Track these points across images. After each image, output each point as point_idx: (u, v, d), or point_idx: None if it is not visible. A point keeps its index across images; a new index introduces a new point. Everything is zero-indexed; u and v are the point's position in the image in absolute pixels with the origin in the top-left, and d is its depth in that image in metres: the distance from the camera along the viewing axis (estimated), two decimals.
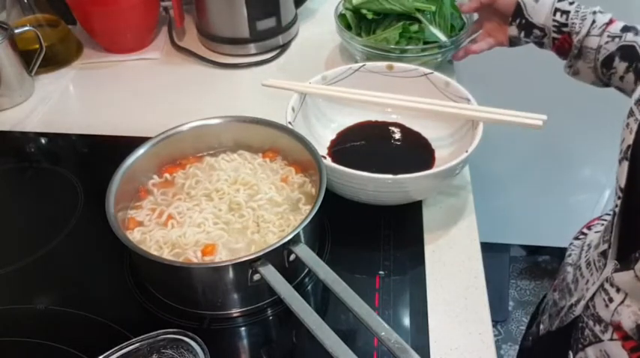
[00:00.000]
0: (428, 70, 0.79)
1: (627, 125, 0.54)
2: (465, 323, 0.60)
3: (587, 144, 1.47)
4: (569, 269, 0.69)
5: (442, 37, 0.90)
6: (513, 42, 0.84)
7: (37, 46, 0.94)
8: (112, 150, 0.82)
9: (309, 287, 0.64)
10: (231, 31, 1.01)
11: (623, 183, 0.54)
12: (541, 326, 0.73)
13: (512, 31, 0.82)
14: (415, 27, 0.90)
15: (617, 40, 0.72)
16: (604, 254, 0.59)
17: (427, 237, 0.69)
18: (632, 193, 0.54)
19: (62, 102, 0.95)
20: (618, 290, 0.55)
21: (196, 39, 1.08)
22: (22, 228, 0.74)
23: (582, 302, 0.60)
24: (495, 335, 0.61)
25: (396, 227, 0.70)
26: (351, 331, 0.58)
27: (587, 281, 0.61)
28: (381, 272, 0.65)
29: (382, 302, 0.61)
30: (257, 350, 0.60)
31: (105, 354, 0.52)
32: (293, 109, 0.74)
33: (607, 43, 0.73)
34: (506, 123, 0.71)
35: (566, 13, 0.76)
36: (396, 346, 0.48)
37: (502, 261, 1.79)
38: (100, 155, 0.84)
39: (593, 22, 0.74)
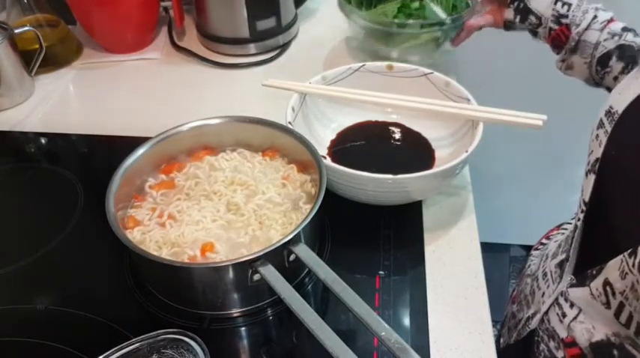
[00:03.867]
0: (428, 70, 0.79)
1: (597, 137, 0.53)
2: (465, 323, 0.60)
3: (588, 144, 1.47)
4: (528, 280, 0.67)
5: (442, 15, 0.89)
6: (508, 26, 0.83)
7: (37, 46, 0.94)
8: (112, 150, 0.82)
9: (309, 287, 0.64)
10: (231, 31, 1.01)
11: (587, 197, 0.53)
12: (501, 340, 0.72)
13: (509, 14, 0.81)
14: (416, 4, 0.89)
15: (616, 38, 0.71)
16: (561, 265, 0.57)
17: (427, 237, 0.69)
18: (596, 207, 0.53)
19: (62, 102, 0.95)
20: (572, 305, 0.53)
21: (196, 39, 1.08)
22: (22, 228, 0.74)
23: (538, 316, 0.59)
24: (495, 335, 0.61)
25: (396, 227, 0.70)
26: (351, 331, 0.58)
27: (544, 293, 0.60)
28: (381, 272, 0.65)
29: (382, 302, 0.61)
30: (257, 350, 0.60)
31: (105, 354, 0.52)
32: (293, 109, 0.74)
33: (606, 40, 0.72)
34: (506, 123, 0.71)
35: (568, 4, 0.75)
36: (396, 346, 0.48)
37: (502, 261, 1.79)
38: (100, 155, 0.84)
39: (595, 17, 0.73)
